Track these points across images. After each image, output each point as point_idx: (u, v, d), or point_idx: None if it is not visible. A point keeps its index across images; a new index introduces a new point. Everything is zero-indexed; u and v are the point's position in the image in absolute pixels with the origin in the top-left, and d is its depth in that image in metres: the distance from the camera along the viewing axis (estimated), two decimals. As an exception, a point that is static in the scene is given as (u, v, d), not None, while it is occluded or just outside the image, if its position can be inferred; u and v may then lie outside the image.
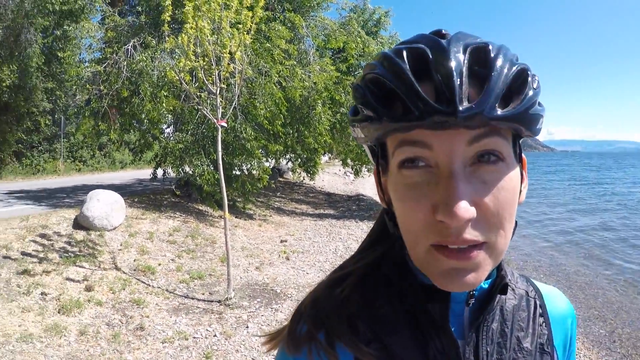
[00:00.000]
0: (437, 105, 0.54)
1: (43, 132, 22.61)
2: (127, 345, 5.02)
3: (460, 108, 0.54)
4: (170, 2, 6.23)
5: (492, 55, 0.58)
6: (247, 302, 6.37)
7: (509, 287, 0.74)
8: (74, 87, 11.80)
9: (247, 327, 5.65)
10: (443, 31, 0.62)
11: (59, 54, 19.30)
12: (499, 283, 0.70)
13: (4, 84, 17.13)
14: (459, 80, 0.55)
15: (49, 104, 21.60)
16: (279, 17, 12.37)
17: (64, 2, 18.34)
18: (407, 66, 0.58)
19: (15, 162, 21.38)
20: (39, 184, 16.47)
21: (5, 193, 12.84)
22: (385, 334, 0.68)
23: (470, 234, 0.56)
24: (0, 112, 18.83)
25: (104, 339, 5.06)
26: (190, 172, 10.55)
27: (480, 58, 0.58)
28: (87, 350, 4.82)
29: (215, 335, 5.38)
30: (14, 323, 5.02)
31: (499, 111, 0.56)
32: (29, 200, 11.28)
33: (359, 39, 13.61)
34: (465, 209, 0.54)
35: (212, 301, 6.30)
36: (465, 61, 0.57)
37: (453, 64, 0.56)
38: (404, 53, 0.60)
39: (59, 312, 5.42)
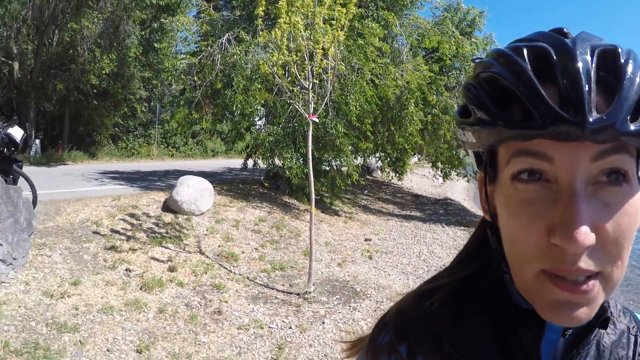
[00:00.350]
0: (563, 112, 0.48)
1: (139, 118, 23.82)
2: (203, 327, 5.03)
3: (590, 119, 0.48)
4: None
5: (622, 60, 0.51)
6: (325, 298, 6.24)
7: (610, 321, 0.65)
8: (170, 77, 12.23)
9: (324, 322, 5.52)
10: (565, 30, 0.56)
11: (156, 45, 20.35)
12: (600, 315, 0.61)
13: (103, 72, 18.24)
14: (587, 86, 0.49)
15: (146, 92, 22.76)
16: (372, 15, 12.22)
17: (161, -4, 19.23)
18: (529, 66, 0.52)
19: (111, 144, 22.69)
20: (132, 166, 17.21)
21: (101, 173, 13.51)
22: (472, 355, 0.64)
23: (586, 263, 0.50)
24: (99, 97, 20.02)
25: (182, 319, 5.10)
26: (280, 164, 10.63)
27: (609, 63, 0.51)
28: (164, 327, 4.87)
29: (290, 327, 5.29)
30: (97, 295, 5.17)
31: (632, 126, 0.49)
32: (122, 181, 11.77)
33: (452, 39, 13.15)
34: (586, 234, 0.48)
35: (291, 293, 6.22)
36: (594, 65, 0.50)
37: (580, 66, 0.50)
38: (525, 51, 0.54)
39: (140, 289, 5.53)
